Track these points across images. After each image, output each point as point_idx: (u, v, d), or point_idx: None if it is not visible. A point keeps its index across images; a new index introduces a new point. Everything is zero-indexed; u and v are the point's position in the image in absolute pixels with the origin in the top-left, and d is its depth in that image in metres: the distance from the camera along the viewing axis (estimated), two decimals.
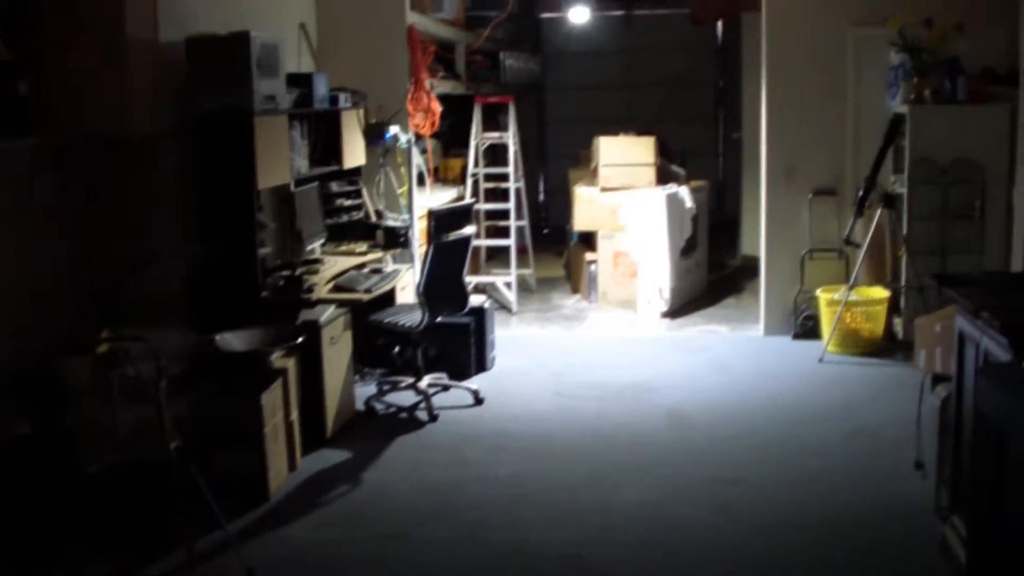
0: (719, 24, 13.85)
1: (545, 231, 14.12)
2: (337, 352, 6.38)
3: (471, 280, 10.08)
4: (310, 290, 6.37)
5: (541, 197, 14.84)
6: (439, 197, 9.54)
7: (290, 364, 5.87)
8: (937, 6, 7.75)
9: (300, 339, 5.83)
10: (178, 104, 5.99)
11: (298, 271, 6.63)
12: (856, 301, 7.89)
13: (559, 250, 12.13)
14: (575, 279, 10.65)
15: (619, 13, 14.21)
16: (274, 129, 6.23)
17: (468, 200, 8.94)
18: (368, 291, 6.64)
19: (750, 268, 11.08)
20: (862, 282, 8.01)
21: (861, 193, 7.72)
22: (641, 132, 10.55)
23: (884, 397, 6.91)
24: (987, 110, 7.64)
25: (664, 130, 11.14)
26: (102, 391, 4.60)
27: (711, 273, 10.65)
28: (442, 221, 6.53)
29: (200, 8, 6.31)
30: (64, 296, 5.41)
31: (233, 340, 5.75)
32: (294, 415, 5.87)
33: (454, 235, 6.65)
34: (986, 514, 3.84)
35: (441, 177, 10.77)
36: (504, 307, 9.80)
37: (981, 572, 3.96)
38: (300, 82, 6.78)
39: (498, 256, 11.12)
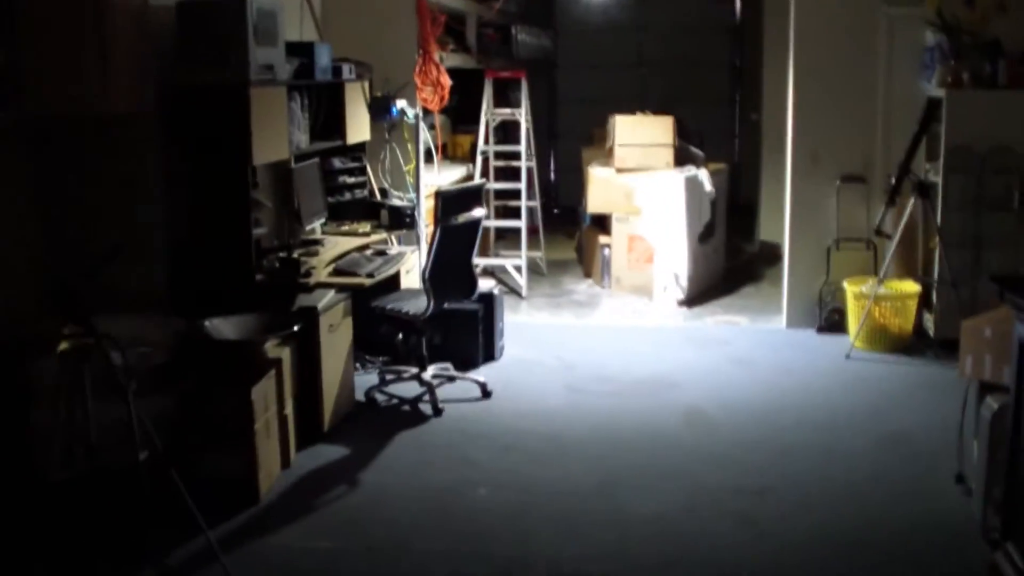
0: (737, 2, 13.42)
1: (556, 211, 13.73)
2: (336, 340, 5.97)
3: (479, 262, 9.69)
4: (308, 274, 5.95)
5: (552, 176, 14.42)
6: (448, 175, 9.13)
7: (285, 353, 5.46)
8: None
9: (296, 327, 5.42)
10: (167, 75, 5.55)
11: (295, 253, 6.22)
12: (886, 295, 7.46)
13: (570, 231, 11.70)
14: (588, 263, 10.23)
15: None
16: (272, 101, 5.80)
17: (478, 180, 8.52)
18: (371, 275, 6.23)
19: (768, 255, 10.70)
20: (891, 275, 7.57)
21: (893, 181, 7.29)
22: (656, 112, 10.13)
23: (916, 400, 6.50)
24: None
25: (679, 110, 10.69)
26: (70, 390, 4.17)
27: (728, 259, 10.22)
28: (450, 203, 6.10)
29: None
30: (35, 286, 5.01)
31: (223, 327, 5.36)
32: (288, 408, 5.46)
33: (463, 218, 6.22)
34: None
35: (450, 154, 10.36)
36: (514, 291, 9.40)
37: None
38: (301, 51, 6.33)
39: (508, 237, 10.70)
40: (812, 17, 7.85)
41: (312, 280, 5.93)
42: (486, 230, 10.14)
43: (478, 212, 6.38)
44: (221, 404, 5.00)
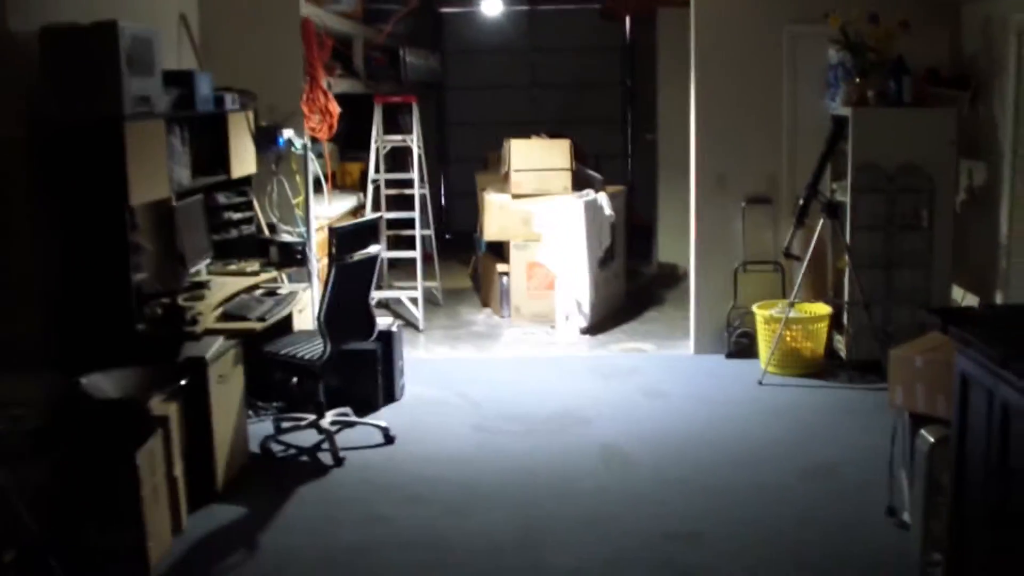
0: (627, 22, 13.27)
1: (448, 237, 13.40)
2: (227, 391, 5.54)
3: (376, 296, 9.31)
4: (194, 321, 5.51)
5: (443, 201, 14.11)
6: (338, 206, 8.75)
7: (172, 409, 5.02)
8: (878, 3, 7.18)
9: (183, 380, 5.00)
10: (35, 108, 5.09)
11: (180, 298, 5.78)
12: (797, 318, 7.27)
13: (465, 258, 11.36)
14: (485, 292, 9.92)
15: (524, 8, 13.54)
16: (149, 135, 5.37)
17: (373, 214, 8.14)
18: (262, 319, 5.82)
19: (668, 276, 10.54)
20: (800, 297, 7.38)
21: (801, 202, 7.10)
22: (549, 133, 9.89)
23: (836, 427, 6.30)
24: (933, 114, 7.09)
25: (571, 131, 10.50)
26: None
27: (627, 283, 9.99)
28: (344, 239, 5.71)
29: None
30: None
31: (103, 383, 4.92)
32: (178, 469, 5.02)
33: (358, 255, 5.84)
34: None
35: (339, 183, 9.97)
36: (411, 324, 9.03)
37: None
38: (179, 81, 5.90)
39: (400, 267, 10.33)
40: (713, 36, 7.66)
41: (199, 327, 5.49)
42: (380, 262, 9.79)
43: (374, 248, 6.01)
44: (103, 471, 4.55)
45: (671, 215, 10.49)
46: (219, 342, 5.49)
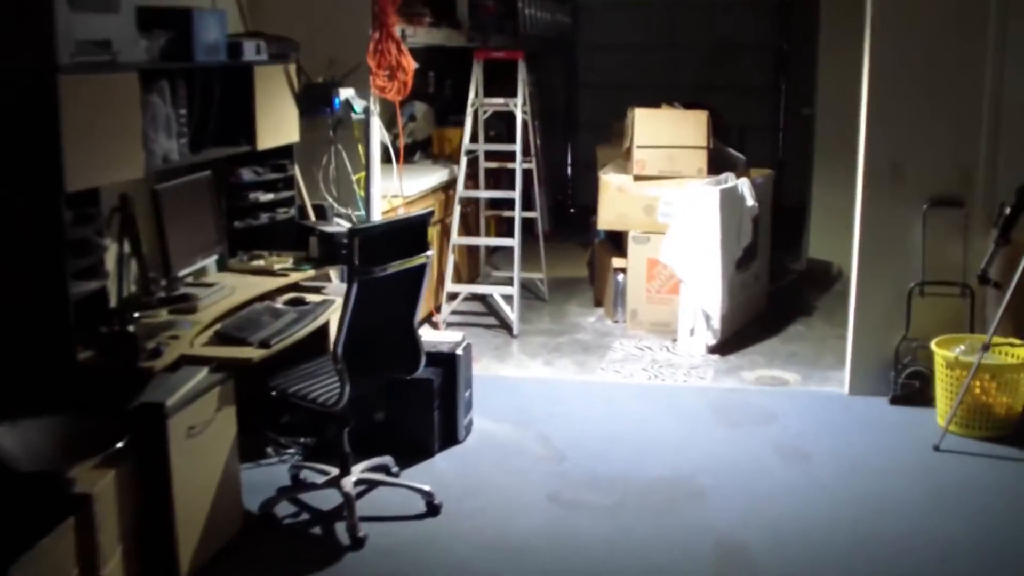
0: None
1: (572, 211, 11.87)
2: (204, 446, 4.06)
3: (463, 289, 7.85)
4: (156, 351, 4.03)
5: (568, 171, 12.55)
6: (417, 183, 7.27)
7: (104, 482, 3.57)
8: None
9: (120, 443, 3.56)
10: None
11: (165, 311, 4.35)
12: (991, 364, 5.51)
13: (585, 240, 9.73)
14: (599, 287, 8.32)
15: None
16: (105, 95, 3.92)
17: (463, 190, 6.63)
18: (265, 344, 4.34)
19: (819, 275, 8.87)
20: (998, 336, 5.61)
21: (1008, 211, 5.34)
22: (688, 103, 8.20)
23: None
24: None
25: (712, 99, 8.83)
26: None
27: (770, 281, 8.27)
28: (373, 245, 4.17)
29: None
30: None
31: (8, 440, 3.51)
32: (110, 565, 3.59)
33: (395, 266, 4.29)
34: None
35: (435, 152, 8.51)
36: (504, 325, 7.52)
37: None
38: (171, 22, 4.44)
39: (506, 249, 8.79)
40: None
41: (162, 359, 4.00)
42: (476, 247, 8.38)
43: (421, 256, 4.44)
44: None
45: (827, 204, 8.79)
46: (197, 378, 4.04)
